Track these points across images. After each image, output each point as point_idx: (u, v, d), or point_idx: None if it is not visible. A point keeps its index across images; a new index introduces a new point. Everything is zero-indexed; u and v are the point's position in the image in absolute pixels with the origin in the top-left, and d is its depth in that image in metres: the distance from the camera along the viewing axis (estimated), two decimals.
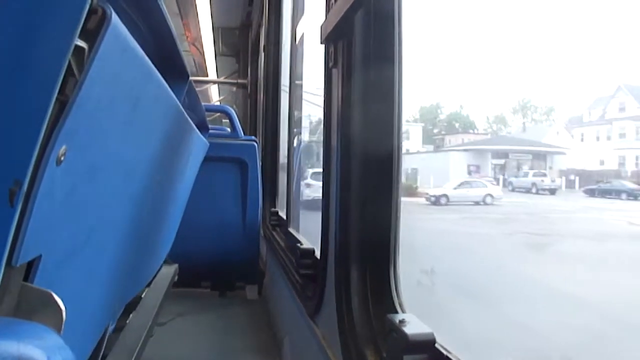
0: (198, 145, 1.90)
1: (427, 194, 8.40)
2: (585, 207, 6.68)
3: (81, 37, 0.58)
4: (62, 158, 0.61)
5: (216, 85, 8.44)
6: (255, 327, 2.79)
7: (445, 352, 0.98)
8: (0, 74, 0.56)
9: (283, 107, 3.59)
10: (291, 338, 2.15)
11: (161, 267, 2.40)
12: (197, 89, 1.69)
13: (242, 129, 3.55)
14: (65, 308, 0.63)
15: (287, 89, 3.34)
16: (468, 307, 3.86)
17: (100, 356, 1.30)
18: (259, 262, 3.51)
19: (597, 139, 7.96)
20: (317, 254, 1.64)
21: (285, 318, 2.40)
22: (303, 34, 3.31)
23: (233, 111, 3.68)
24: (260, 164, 3.53)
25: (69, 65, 0.58)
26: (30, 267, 0.63)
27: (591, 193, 6.69)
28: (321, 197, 1.51)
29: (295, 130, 3.39)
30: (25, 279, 0.63)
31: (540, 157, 9.07)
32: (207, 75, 7.32)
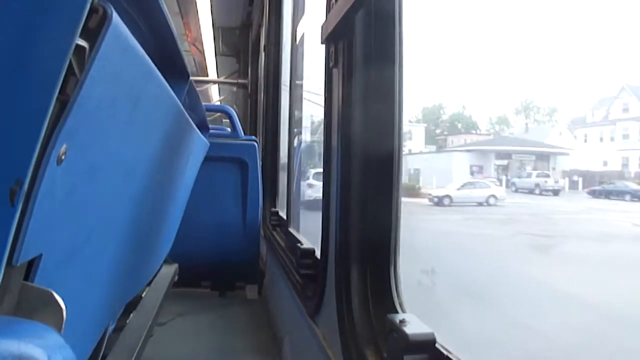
0: (198, 145, 1.90)
1: (430, 194, 8.38)
2: (588, 208, 6.67)
3: (82, 36, 0.58)
4: (63, 157, 0.61)
5: (216, 85, 8.45)
6: (255, 327, 2.79)
7: (445, 352, 0.98)
8: (1, 74, 0.56)
9: (283, 107, 3.59)
10: (291, 338, 2.15)
11: (161, 266, 2.40)
12: (197, 89, 1.69)
13: (243, 129, 3.55)
14: (66, 307, 0.63)
15: (288, 89, 3.34)
16: (470, 307, 3.85)
17: (101, 356, 1.30)
18: (259, 262, 3.51)
19: (601, 139, 7.96)
20: (318, 254, 1.64)
21: (286, 318, 2.40)
22: (303, 33, 3.31)
23: (233, 111, 3.68)
24: (261, 163, 3.53)
25: (70, 64, 0.58)
26: (31, 267, 0.64)
27: (595, 194, 6.67)
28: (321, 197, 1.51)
29: (295, 130, 3.38)
30: (26, 278, 0.63)
31: (543, 157, 9.06)
32: (207, 75, 7.33)
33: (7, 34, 0.56)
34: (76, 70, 0.59)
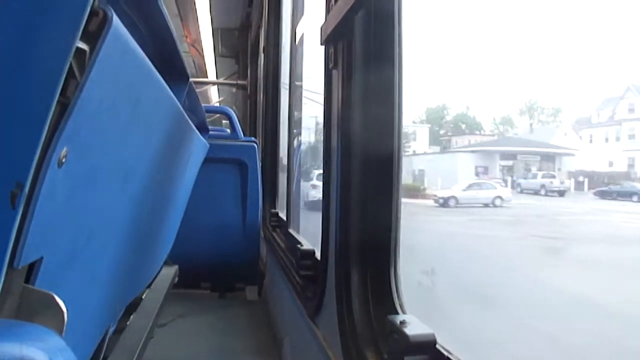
0: (198, 146, 1.90)
1: (435, 195, 8.33)
2: (595, 209, 6.62)
3: (82, 39, 0.58)
4: (64, 160, 0.61)
5: (216, 87, 8.45)
6: (255, 328, 2.79)
7: (446, 353, 0.98)
8: (1, 76, 0.56)
9: (283, 108, 3.59)
10: (291, 339, 2.15)
11: (161, 268, 2.41)
12: (197, 90, 1.69)
13: (242, 130, 3.55)
14: (67, 310, 0.63)
15: (287, 90, 3.34)
16: (473, 309, 3.84)
17: (101, 357, 1.30)
18: (259, 263, 3.51)
19: (606, 140, 7.93)
20: (318, 255, 1.64)
21: (286, 319, 2.40)
22: (303, 34, 3.31)
23: (233, 112, 3.68)
24: (260, 165, 3.53)
25: (70, 67, 0.58)
26: (32, 269, 0.64)
27: (601, 195, 6.63)
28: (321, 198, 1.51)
29: (295, 131, 3.39)
30: (27, 280, 0.63)
31: (548, 158, 9.01)
32: (206, 77, 7.33)
33: (8, 37, 0.56)
34: (76, 73, 0.59)
